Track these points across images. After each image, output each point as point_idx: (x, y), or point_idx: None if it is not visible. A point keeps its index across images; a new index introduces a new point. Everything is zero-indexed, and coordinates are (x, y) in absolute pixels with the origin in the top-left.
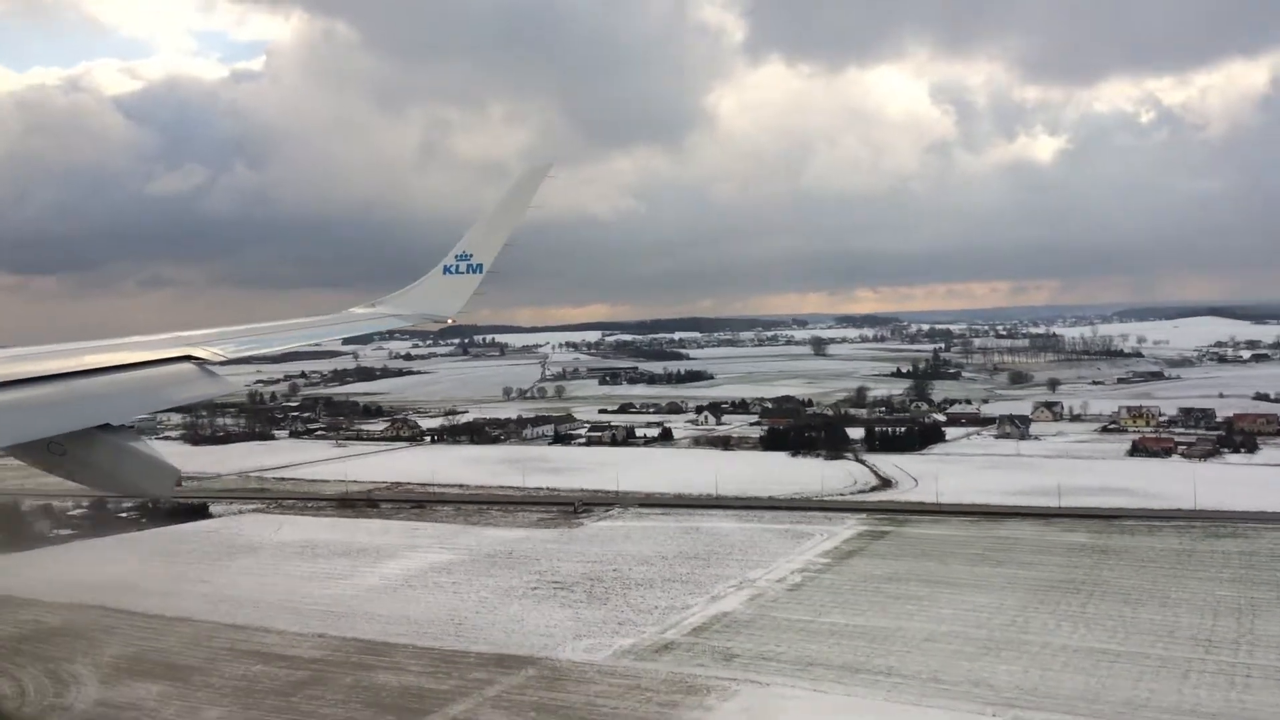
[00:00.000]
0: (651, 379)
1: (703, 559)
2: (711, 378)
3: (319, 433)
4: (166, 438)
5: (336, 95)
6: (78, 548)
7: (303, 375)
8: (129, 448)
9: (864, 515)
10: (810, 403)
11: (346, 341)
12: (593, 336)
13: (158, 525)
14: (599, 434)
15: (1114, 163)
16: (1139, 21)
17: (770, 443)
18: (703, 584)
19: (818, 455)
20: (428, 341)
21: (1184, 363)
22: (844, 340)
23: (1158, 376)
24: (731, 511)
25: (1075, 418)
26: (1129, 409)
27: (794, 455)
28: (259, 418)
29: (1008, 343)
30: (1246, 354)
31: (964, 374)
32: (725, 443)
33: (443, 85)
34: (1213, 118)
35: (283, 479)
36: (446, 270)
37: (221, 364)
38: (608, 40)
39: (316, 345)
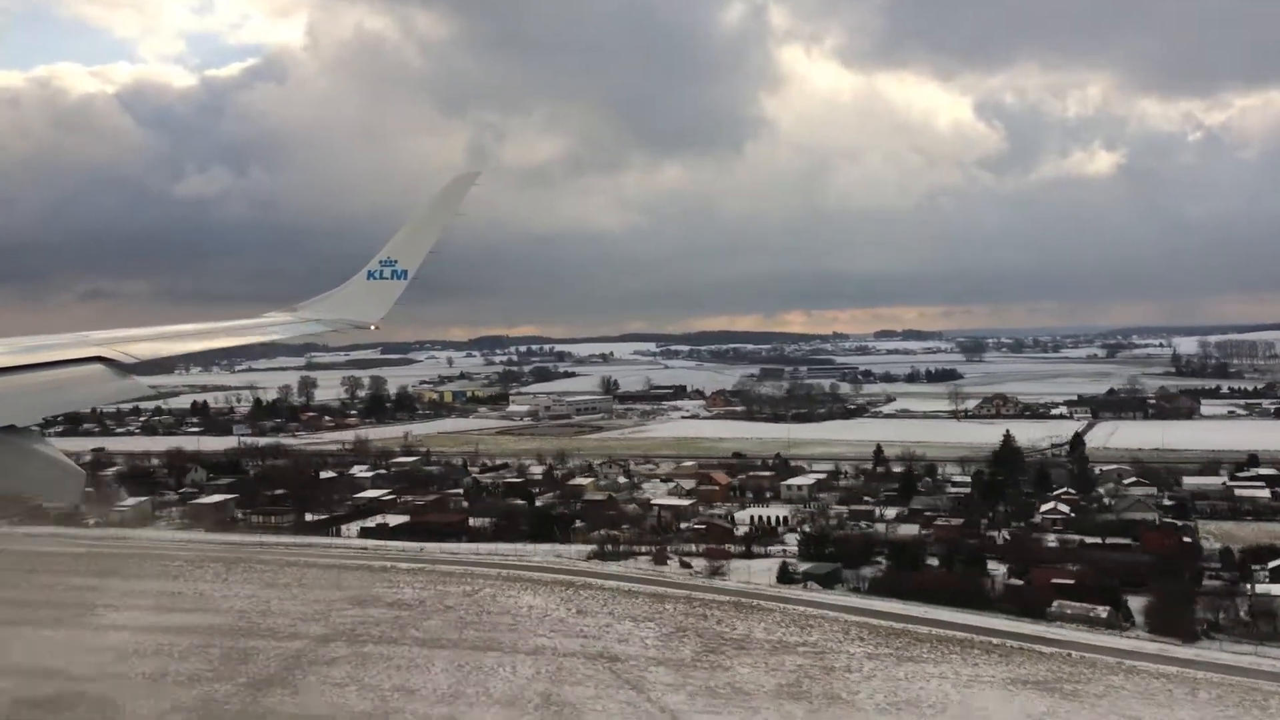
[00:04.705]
0: (910, 377)
1: None
2: (961, 377)
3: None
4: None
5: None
6: None
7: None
8: (33, 450)
9: None
10: None
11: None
12: (646, 347)
13: None
14: None
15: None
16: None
17: None
18: None
19: None
20: (482, 351)
21: None
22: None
23: None
24: None
25: None
26: None
27: None
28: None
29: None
30: None
31: (1245, 375)
32: None
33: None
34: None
35: None
36: (370, 275)
37: (133, 365)
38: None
39: (255, 344)
